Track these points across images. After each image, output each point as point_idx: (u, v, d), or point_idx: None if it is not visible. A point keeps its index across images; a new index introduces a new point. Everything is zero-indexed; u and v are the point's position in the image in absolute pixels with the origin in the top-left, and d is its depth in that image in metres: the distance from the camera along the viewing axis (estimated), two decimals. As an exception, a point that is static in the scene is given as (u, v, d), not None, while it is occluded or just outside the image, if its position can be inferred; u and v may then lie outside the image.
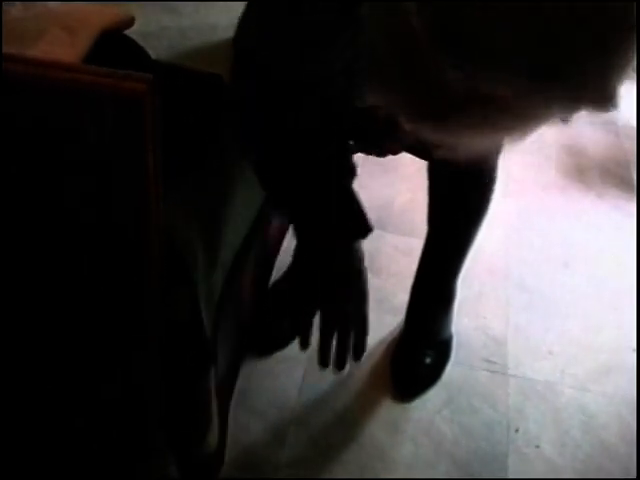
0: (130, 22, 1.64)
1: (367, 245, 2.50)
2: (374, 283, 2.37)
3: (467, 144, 1.12)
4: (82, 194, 1.24)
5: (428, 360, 2.13)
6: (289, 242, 2.35)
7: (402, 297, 2.24)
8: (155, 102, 1.13)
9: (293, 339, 2.17)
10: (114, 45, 1.57)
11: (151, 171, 1.18)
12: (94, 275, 1.34)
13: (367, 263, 2.42)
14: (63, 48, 1.40)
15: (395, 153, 1.75)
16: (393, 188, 2.76)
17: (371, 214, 2.63)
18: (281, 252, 2.35)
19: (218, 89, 1.61)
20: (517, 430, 2.03)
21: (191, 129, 1.52)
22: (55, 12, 1.52)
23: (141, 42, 1.78)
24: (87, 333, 1.40)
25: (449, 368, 2.17)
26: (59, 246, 1.30)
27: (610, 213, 2.86)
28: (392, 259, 2.48)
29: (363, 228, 1.44)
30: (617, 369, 2.23)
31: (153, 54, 1.76)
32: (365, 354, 2.15)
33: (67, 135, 1.18)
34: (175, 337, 1.41)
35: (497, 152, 1.77)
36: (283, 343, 2.15)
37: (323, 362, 1.47)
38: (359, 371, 2.13)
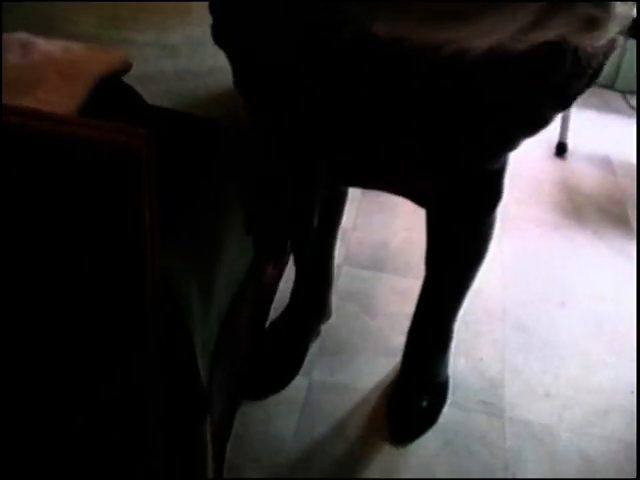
0: (127, 68, 1.64)
1: (363, 286, 2.52)
2: (370, 324, 2.39)
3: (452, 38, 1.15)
4: (78, 244, 1.23)
5: (425, 403, 2.12)
6: (286, 282, 2.35)
7: (399, 339, 2.23)
8: (152, 155, 1.13)
9: (288, 382, 2.16)
10: (111, 91, 1.57)
11: (148, 223, 1.18)
12: (90, 326, 1.33)
13: (363, 304, 2.44)
14: (60, 96, 1.40)
15: (396, 190, 1.77)
16: (389, 228, 2.76)
17: (367, 255, 2.65)
18: (278, 292, 2.35)
19: (215, 134, 1.61)
20: (514, 474, 2.02)
21: (187, 175, 1.52)
22: (52, 59, 1.52)
23: (138, 86, 1.78)
24: (84, 380, 1.40)
25: (446, 411, 2.15)
26: (55, 295, 1.30)
27: (607, 251, 2.86)
28: (388, 300, 2.48)
29: None
30: (615, 411, 2.22)
31: (150, 98, 1.76)
32: (361, 397, 2.16)
33: (65, 186, 1.18)
34: (171, 387, 1.40)
35: (496, 199, 1.77)
36: (279, 386, 2.14)
37: None
38: (355, 414, 2.12)
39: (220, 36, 1.46)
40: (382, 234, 2.72)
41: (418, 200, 1.79)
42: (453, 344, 2.20)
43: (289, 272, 2.36)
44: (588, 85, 1.40)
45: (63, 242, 1.24)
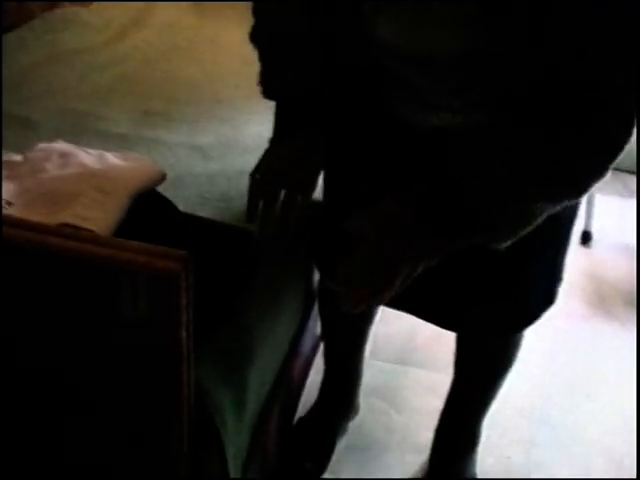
0: (161, 179, 1.68)
1: (390, 380, 2.52)
2: (397, 420, 2.39)
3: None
4: (115, 364, 1.26)
5: (452, 503, 2.12)
6: (314, 376, 2.36)
7: (426, 435, 2.23)
8: (190, 277, 1.16)
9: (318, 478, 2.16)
10: (145, 201, 1.61)
11: (184, 341, 1.20)
12: (125, 435, 1.36)
13: (390, 399, 2.43)
14: (98, 212, 1.44)
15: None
16: (416, 321, 2.75)
17: (394, 348, 2.64)
18: (306, 387, 2.36)
19: (248, 245, 1.64)
20: None
21: (222, 286, 1.54)
22: (90, 172, 1.56)
23: (171, 188, 1.83)
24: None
25: (473, 510, 2.15)
26: (92, 411, 1.33)
27: (634, 341, 2.85)
28: (415, 395, 2.48)
29: None
30: (643, 508, 2.21)
31: (182, 202, 1.80)
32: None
33: (102, 308, 1.21)
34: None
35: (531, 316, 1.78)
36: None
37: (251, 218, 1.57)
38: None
39: (257, 36, 1.57)
40: (408, 327, 2.72)
41: (446, 324, 1.79)
42: (480, 442, 2.20)
43: (317, 364, 2.37)
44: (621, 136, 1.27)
45: (96, 365, 1.27)
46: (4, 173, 1.61)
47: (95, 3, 3.33)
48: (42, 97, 2.56)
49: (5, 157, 1.68)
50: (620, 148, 1.25)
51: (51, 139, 2.15)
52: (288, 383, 2.02)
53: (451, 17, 1.24)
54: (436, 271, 1.47)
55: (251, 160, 1.93)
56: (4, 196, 1.51)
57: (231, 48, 2.88)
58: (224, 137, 2.28)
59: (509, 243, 1.34)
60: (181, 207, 1.76)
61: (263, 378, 1.66)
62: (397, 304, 1.78)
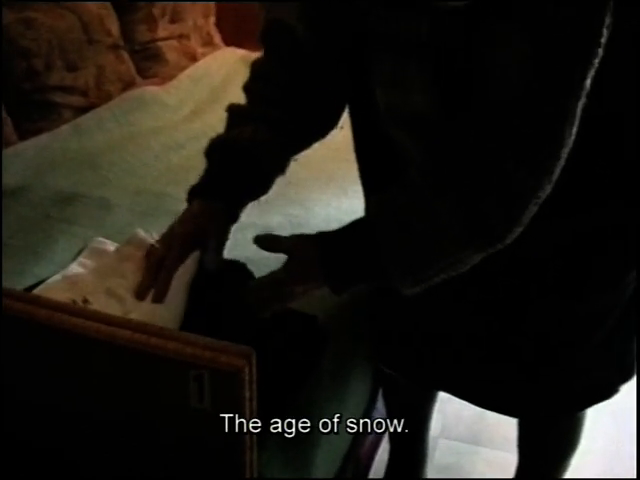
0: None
1: (460, 460, 2.49)
2: (470, 501, 2.36)
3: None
4: (179, 454, 1.28)
5: None
6: (382, 455, 2.35)
7: (498, 515, 2.21)
8: (253, 373, 1.18)
9: None
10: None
11: (248, 435, 1.22)
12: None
13: (460, 478, 2.41)
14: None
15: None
16: (486, 399, 2.74)
17: (463, 427, 2.62)
18: (374, 465, 2.35)
19: (313, 330, 1.65)
20: None
21: (288, 368, 1.55)
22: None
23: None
24: None
25: None
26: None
27: None
28: (486, 474, 2.45)
29: None
30: None
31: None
32: None
33: (167, 400, 1.23)
34: None
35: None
36: None
37: None
38: None
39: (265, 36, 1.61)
40: (478, 406, 2.70)
41: (507, 410, 1.78)
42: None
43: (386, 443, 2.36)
44: None
45: (164, 446, 1.29)
46: (91, 264, 1.65)
47: (170, 82, 3.43)
48: (119, 177, 2.62)
49: (95, 244, 1.73)
50: (529, 195, 1.17)
51: (128, 220, 2.21)
52: (356, 462, 2.02)
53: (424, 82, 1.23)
54: (495, 360, 1.48)
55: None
56: (83, 292, 1.54)
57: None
58: (294, 217, 2.30)
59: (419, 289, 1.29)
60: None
61: (330, 458, 1.66)
62: (458, 392, 1.77)
